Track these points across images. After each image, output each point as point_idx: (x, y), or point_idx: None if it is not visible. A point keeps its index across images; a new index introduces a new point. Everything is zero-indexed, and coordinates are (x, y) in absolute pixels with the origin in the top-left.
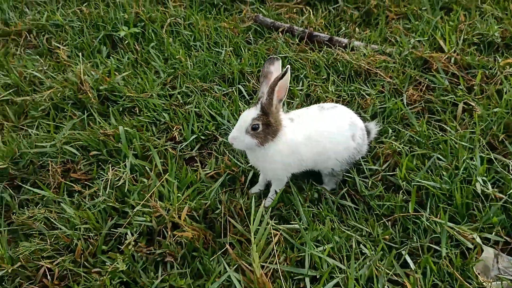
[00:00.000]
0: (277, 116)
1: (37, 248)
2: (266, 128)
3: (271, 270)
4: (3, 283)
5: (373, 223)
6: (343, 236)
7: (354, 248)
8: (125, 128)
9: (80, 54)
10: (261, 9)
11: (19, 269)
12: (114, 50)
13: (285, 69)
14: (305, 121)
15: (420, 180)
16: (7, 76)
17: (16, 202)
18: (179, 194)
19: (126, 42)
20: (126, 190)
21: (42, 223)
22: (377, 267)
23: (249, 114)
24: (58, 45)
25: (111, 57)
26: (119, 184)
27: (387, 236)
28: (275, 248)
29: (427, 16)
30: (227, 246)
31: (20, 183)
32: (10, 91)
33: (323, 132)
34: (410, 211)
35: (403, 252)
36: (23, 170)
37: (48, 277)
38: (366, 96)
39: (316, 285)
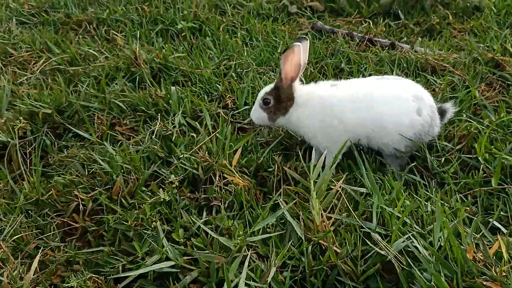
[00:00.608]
0: (290, 92)
1: (71, 181)
2: (276, 103)
3: (331, 222)
4: (29, 212)
5: (448, 197)
6: (413, 204)
7: (428, 213)
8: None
9: (137, 41)
10: (318, 21)
11: (49, 200)
12: (169, 42)
13: (291, 45)
14: (354, 85)
15: (506, 156)
16: (63, 52)
17: (55, 149)
18: (231, 143)
19: (183, 34)
20: (172, 141)
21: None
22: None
23: (265, 89)
24: (116, 33)
25: (166, 45)
26: (166, 134)
27: (467, 208)
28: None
29: (495, 30)
30: (280, 200)
31: (61, 133)
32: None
33: (377, 96)
34: (493, 185)
35: (490, 220)
36: (68, 120)
37: (81, 209)
38: (434, 86)
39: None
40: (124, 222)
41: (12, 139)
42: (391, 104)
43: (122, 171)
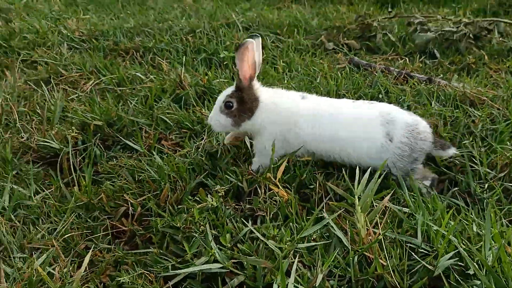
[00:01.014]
0: (252, 93)
1: (120, 187)
2: (240, 106)
3: (376, 235)
4: (80, 214)
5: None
6: (457, 225)
7: (474, 233)
8: None
9: (181, 67)
10: (355, 57)
11: (99, 204)
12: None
13: (244, 42)
14: (323, 103)
15: None
16: (112, 74)
17: (104, 159)
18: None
19: (225, 63)
20: (218, 156)
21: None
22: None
23: (225, 93)
24: (162, 60)
25: (209, 71)
26: (212, 151)
27: None
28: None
29: None
30: (324, 213)
31: (110, 145)
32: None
33: (341, 118)
34: None
35: None
36: (117, 132)
37: (130, 213)
38: (474, 117)
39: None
40: (173, 226)
41: (65, 147)
42: (354, 128)
43: (170, 180)
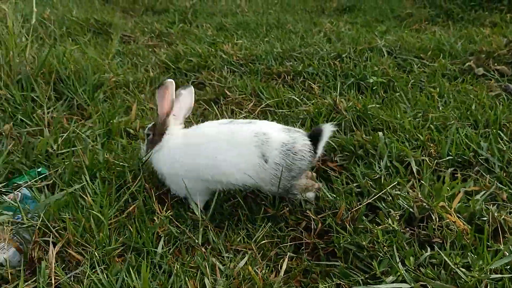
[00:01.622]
0: (162, 128)
1: (299, 203)
2: (153, 138)
3: None
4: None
5: None
6: None
7: None
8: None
9: (332, 91)
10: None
11: (283, 216)
12: (361, 93)
13: (164, 81)
14: (197, 130)
15: None
16: (271, 97)
17: None
18: (447, 187)
19: (374, 88)
20: (381, 184)
21: None
22: None
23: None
24: (312, 84)
25: (360, 96)
26: (375, 177)
27: None
28: None
29: None
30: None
31: None
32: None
33: (214, 142)
34: None
35: None
36: None
37: (312, 227)
38: None
39: None
40: (356, 243)
41: None
42: (231, 152)
43: (345, 199)
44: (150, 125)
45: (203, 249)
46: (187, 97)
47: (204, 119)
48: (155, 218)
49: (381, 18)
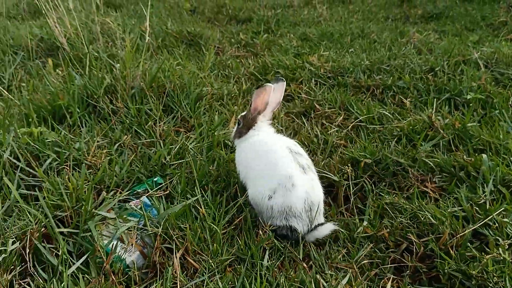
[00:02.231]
0: (250, 123)
1: (399, 224)
2: (241, 128)
3: None
4: (368, 243)
5: None
6: None
7: None
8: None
9: (425, 107)
10: None
11: (382, 237)
12: (457, 110)
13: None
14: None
15: None
16: (361, 111)
17: (374, 194)
18: None
19: (470, 105)
20: (486, 209)
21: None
22: None
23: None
24: (403, 98)
25: (456, 114)
26: (480, 202)
27: None
28: None
29: None
30: None
31: (376, 181)
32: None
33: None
34: None
35: None
36: (382, 171)
37: (414, 250)
38: None
39: None
40: (462, 270)
41: (343, 180)
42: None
43: (449, 223)
44: (243, 114)
45: (305, 265)
46: (277, 92)
47: (294, 132)
48: (260, 230)
49: (471, 27)
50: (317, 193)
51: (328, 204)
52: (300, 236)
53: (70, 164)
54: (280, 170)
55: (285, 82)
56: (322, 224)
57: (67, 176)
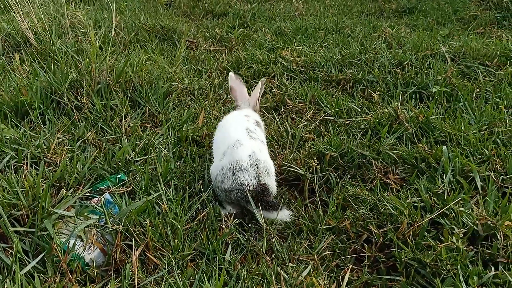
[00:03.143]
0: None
1: (361, 215)
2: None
3: None
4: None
5: None
6: None
7: None
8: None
9: (392, 100)
10: None
11: (343, 228)
12: (423, 103)
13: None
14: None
15: None
16: (330, 105)
17: (339, 186)
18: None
19: (435, 98)
20: (444, 199)
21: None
22: None
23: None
24: (372, 92)
25: (421, 106)
26: (438, 192)
27: None
28: None
29: None
30: None
31: (341, 174)
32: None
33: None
34: None
35: None
36: (347, 164)
37: (374, 241)
38: None
39: None
40: (418, 259)
41: (308, 173)
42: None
43: (404, 215)
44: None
45: (268, 258)
46: (257, 88)
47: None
48: (223, 225)
49: (443, 21)
50: (264, 156)
51: (294, 197)
52: (249, 191)
53: (28, 162)
54: (231, 137)
55: (264, 80)
56: (273, 204)
57: (23, 174)
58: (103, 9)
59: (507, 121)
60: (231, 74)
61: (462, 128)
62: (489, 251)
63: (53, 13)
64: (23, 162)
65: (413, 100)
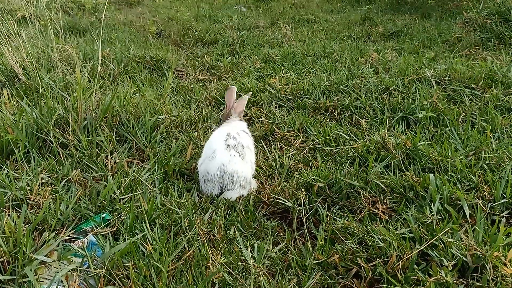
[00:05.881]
0: (226, 118)
1: (349, 249)
2: (220, 121)
3: None
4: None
5: None
6: None
7: None
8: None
9: (380, 127)
10: None
11: (332, 263)
12: (408, 128)
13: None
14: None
15: None
16: (318, 133)
17: (327, 219)
18: (502, 236)
19: (422, 123)
20: (433, 229)
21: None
22: None
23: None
24: (360, 118)
25: (408, 132)
26: (427, 222)
27: None
28: None
29: None
30: None
31: (330, 205)
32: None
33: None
34: None
35: None
36: (335, 194)
37: (363, 275)
38: None
39: None
40: None
41: (296, 205)
42: None
43: (396, 246)
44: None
45: None
46: (242, 101)
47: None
48: (210, 264)
49: (428, 44)
50: (233, 166)
51: (283, 230)
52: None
53: (10, 205)
54: (210, 147)
55: (247, 96)
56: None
57: (5, 219)
58: (93, 41)
59: (494, 145)
60: (231, 87)
61: (449, 154)
62: (478, 283)
63: (42, 47)
64: (5, 205)
65: (400, 126)
